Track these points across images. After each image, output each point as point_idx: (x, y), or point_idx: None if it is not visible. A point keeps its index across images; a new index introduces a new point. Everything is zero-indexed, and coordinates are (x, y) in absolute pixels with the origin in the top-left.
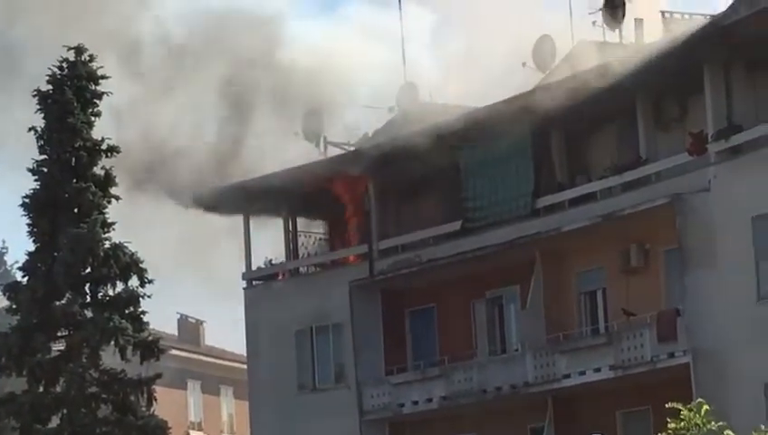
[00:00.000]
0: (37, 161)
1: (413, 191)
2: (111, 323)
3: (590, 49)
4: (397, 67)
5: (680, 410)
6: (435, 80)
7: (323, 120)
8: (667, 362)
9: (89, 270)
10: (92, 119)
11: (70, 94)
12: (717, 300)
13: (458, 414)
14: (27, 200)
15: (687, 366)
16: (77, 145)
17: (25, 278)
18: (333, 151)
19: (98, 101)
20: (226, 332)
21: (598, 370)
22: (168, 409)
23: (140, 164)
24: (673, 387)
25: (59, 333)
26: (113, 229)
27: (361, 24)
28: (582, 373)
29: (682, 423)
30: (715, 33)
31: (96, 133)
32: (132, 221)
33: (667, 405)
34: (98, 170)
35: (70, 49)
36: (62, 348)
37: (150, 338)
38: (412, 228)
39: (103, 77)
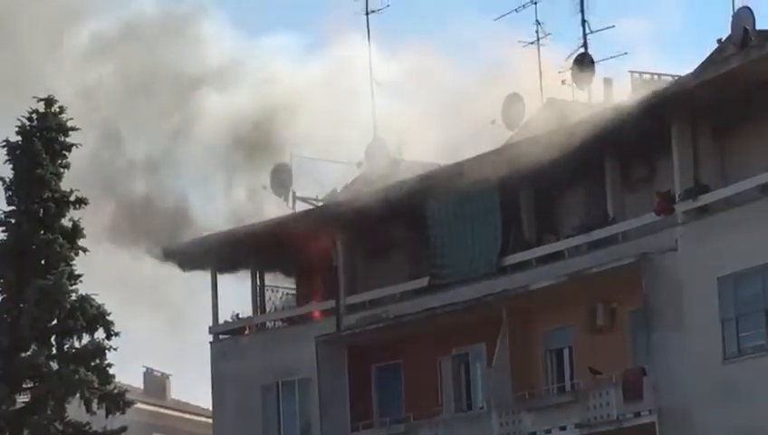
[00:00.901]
0: (5, 212)
1: (381, 247)
2: (77, 376)
3: (558, 108)
4: (365, 123)
5: None
6: (404, 136)
7: (291, 174)
8: (633, 422)
9: (55, 322)
10: (61, 170)
11: (39, 145)
12: (683, 360)
13: None
14: None
15: (653, 425)
16: (45, 196)
17: None
18: (302, 206)
19: (67, 153)
20: (192, 386)
21: (564, 428)
22: None
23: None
24: None
25: (24, 385)
26: (80, 281)
27: (331, 79)
28: (548, 432)
29: None
30: (682, 95)
31: (65, 185)
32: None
33: None
34: (66, 222)
35: (40, 100)
36: (27, 400)
37: (116, 391)
38: (380, 284)
39: (73, 129)
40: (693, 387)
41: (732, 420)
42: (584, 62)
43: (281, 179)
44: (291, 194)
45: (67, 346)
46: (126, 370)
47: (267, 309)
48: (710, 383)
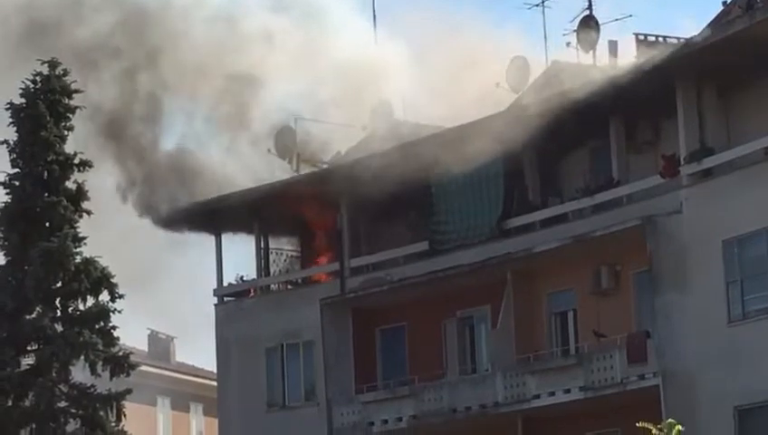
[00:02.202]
0: (9, 175)
1: (385, 210)
2: (81, 338)
3: (563, 71)
4: (371, 86)
5: (651, 430)
6: (409, 99)
7: (296, 137)
8: (637, 384)
9: (59, 284)
10: (65, 133)
11: (43, 108)
12: (688, 322)
13: (428, 433)
14: None
15: (657, 388)
16: (49, 159)
17: None
18: (306, 169)
19: (71, 115)
20: (197, 348)
21: (567, 391)
22: (137, 425)
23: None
24: (642, 409)
25: (28, 348)
26: (84, 244)
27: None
28: (552, 394)
29: None
30: (687, 57)
31: (69, 147)
32: (104, 235)
33: (637, 425)
34: (70, 184)
35: (44, 63)
36: (32, 362)
37: (120, 353)
38: (384, 247)
39: (77, 91)
40: (697, 350)
41: (736, 383)
42: (589, 24)
43: (285, 142)
44: (295, 157)
45: (71, 309)
46: (131, 333)
47: (272, 272)
48: (714, 346)
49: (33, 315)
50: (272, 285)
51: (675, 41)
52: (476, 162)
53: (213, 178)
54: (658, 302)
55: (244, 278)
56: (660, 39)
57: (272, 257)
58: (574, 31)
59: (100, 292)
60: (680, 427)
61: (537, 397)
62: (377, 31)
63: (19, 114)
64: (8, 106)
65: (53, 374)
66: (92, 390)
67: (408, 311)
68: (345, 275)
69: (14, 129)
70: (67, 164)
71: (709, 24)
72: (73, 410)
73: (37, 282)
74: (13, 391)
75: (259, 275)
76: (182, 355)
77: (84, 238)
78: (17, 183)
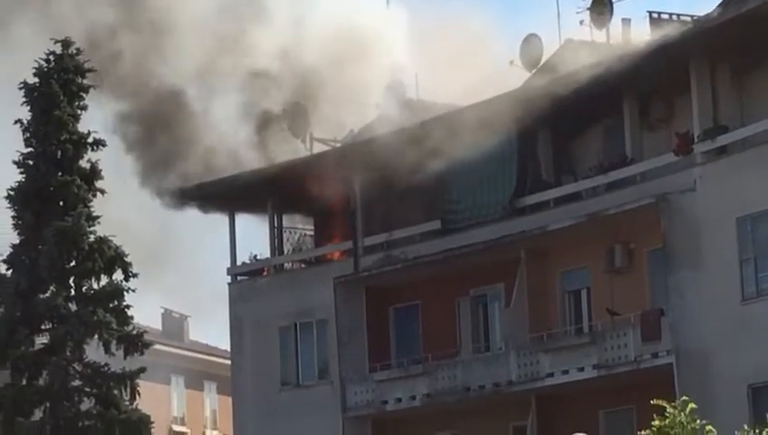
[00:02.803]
0: (23, 154)
1: (399, 188)
2: (95, 317)
3: (577, 48)
4: (384, 64)
5: (665, 408)
6: (422, 77)
7: (309, 116)
8: (651, 362)
9: (73, 263)
10: (79, 112)
11: (56, 87)
12: (701, 300)
13: (442, 412)
14: (12, 193)
15: (671, 366)
16: (63, 138)
17: (9, 271)
18: (319, 148)
19: (84, 94)
20: (211, 327)
21: (581, 369)
22: (151, 403)
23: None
24: (656, 387)
25: (42, 327)
26: (98, 223)
27: (347, 19)
28: (566, 372)
29: (667, 421)
30: (701, 35)
31: (82, 126)
32: (117, 214)
33: (652, 402)
34: (83, 163)
35: (57, 42)
36: (46, 341)
37: (134, 332)
38: (398, 225)
39: (90, 70)
40: (711, 327)
41: (750, 361)
42: (602, 2)
43: (298, 121)
44: (308, 135)
45: (85, 288)
46: (144, 311)
47: (285, 250)
48: (728, 324)
49: (47, 294)
50: (285, 264)
51: (688, 19)
52: (489, 141)
53: (227, 156)
54: (672, 280)
55: (258, 257)
56: (674, 17)
57: (285, 236)
58: (588, 9)
59: (114, 271)
60: (693, 405)
61: (551, 375)
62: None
63: (33, 93)
64: (22, 85)
65: (67, 353)
66: (106, 368)
67: (422, 289)
68: (359, 254)
69: (28, 108)
70: (81, 143)
71: (722, 2)
72: (87, 389)
73: (51, 261)
74: (27, 370)
75: (272, 253)
76: (196, 334)
77: (98, 217)
78: (31, 162)
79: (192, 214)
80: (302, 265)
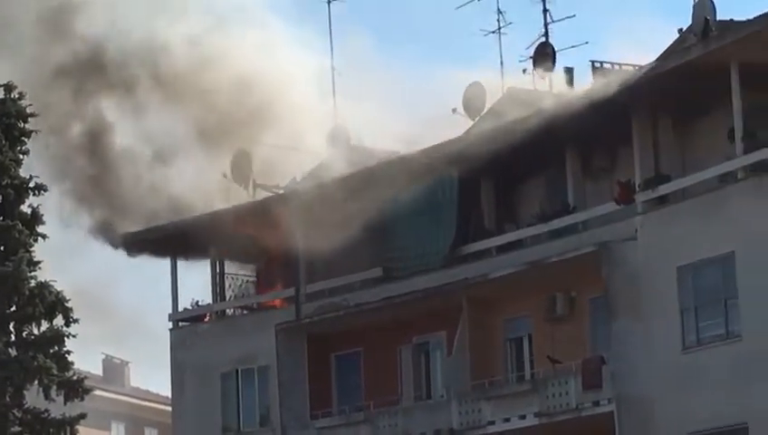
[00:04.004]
0: None
1: (341, 235)
2: (36, 363)
3: (519, 97)
4: (327, 110)
5: None
6: (365, 124)
7: (252, 162)
8: (592, 410)
9: (13, 308)
10: (20, 157)
11: None
12: (642, 349)
13: None
14: None
15: (612, 414)
16: (4, 183)
17: None
18: (262, 194)
19: (26, 139)
20: (152, 373)
21: (523, 417)
22: None
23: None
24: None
25: None
26: (39, 268)
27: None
28: (507, 420)
29: None
30: (642, 85)
31: (24, 171)
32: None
33: None
34: (25, 208)
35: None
36: None
37: (75, 378)
38: (340, 273)
39: (32, 115)
40: (652, 376)
41: (690, 409)
42: (545, 51)
43: (241, 167)
44: (251, 181)
45: (26, 333)
46: (85, 357)
47: (227, 297)
48: (669, 372)
49: None
50: (227, 311)
51: (630, 68)
52: (431, 189)
53: (169, 203)
54: (613, 328)
55: (200, 303)
56: (616, 66)
57: (227, 282)
58: (531, 57)
59: (55, 316)
60: None
61: (492, 423)
62: (333, 54)
63: None
64: None
65: (7, 399)
66: (46, 414)
67: (364, 337)
68: (300, 301)
69: None
70: (22, 188)
71: (665, 52)
72: None
73: None
74: None
75: (214, 299)
76: (137, 380)
77: (39, 262)
78: None
79: (134, 259)
80: (244, 312)
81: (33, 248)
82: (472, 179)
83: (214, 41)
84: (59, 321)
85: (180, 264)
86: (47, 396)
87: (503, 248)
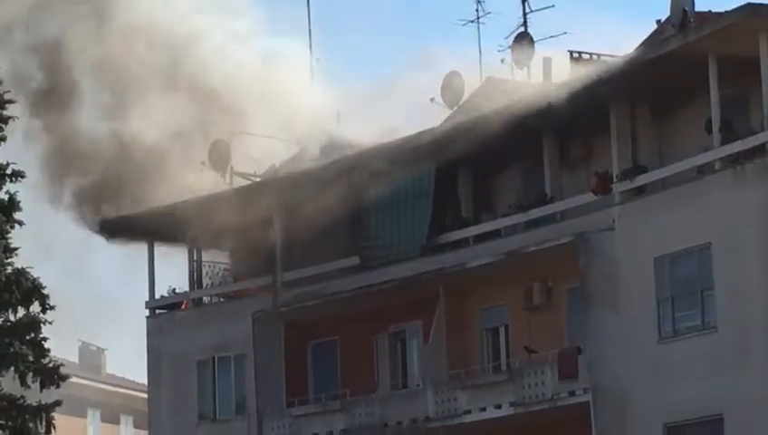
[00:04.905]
0: None
1: (319, 223)
2: (11, 349)
3: (498, 87)
4: (306, 99)
5: None
6: (343, 114)
7: (230, 150)
8: (568, 400)
9: None
10: None
11: None
12: (619, 339)
13: None
14: None
15: (587, 404)
16: None
17: None
18: (240, 182)
19: (3, 126)
20: (128, 360)
21: (498, 406)
22: None
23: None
24: (573, 425)
25: None
26: (16, 255)
27: (271, 54)
28: (483, 410)
29: None
30: (620, 76)
31: (1, 157)
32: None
33: None
34: (2, 195)
35: None
36: None
37: (51, 365)
38: (317, 261)
39: (9, 101)
40: (628, 366)
41: (666, 400)
42: (524, 41)
43: (219, 155)
44: (229, 169)
45: (2, 319)
46: (61, 344)
47: (204, 285)
48: (645, 363)
49: None
50: (204, 298)
51: (609, 58)
52: (408, 178)
53: (147, 190)
54: (590, 318)
55: (177, 291)
56: (594, 56)
57: (204, 270)
58: (509, 47)
59: (31, 303)
60: None
61: (468, 412)
62: (312, 45)
63: None
64: None
65: None
66: (22, 401)
67: (340, 325)
68: (278, 289)
69: None
70: None
71: (643, 43)
72: (2, 422)
73: None
74: None
75: (191, 287)
76: (113, 367)
77: (16, 249)
78: None
79: (111, 246)
80: (221, 300)
81: (9, 235)
82: (449, 168)
83: (191, 26)
84: (35, 308)
85: (157, 251)
86: (23, 383)
87: (480, 238)
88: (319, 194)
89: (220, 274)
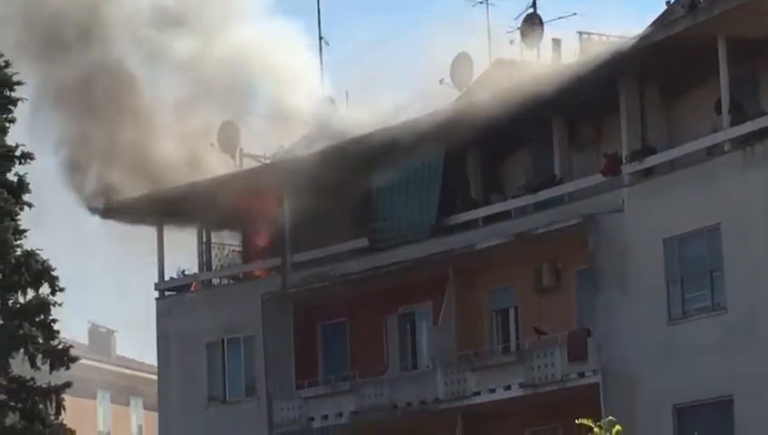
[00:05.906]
0: None
1: (328, 205)
2: (21, 331)
3: (507, 68)
4: (315, 81)
5: (591, 428)
6: (352, 95)
7: (239, 131)
8: (577, 382)
9: (0, 277)
10: (7, 125)
11: None
12: (628, 321)
13: (368, 429)
14: None
15: (597, 386)
16: None
17: None
18: (249, 163)
19: (12, 108)
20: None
21: (508, 388)
22: (76, 418)
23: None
24: (582, 406)
25: None
26: (25, 237)
27: (281, 36)
28: (492, 391)
29: None
30: (630, 57)
31: (10, 139)
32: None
33: (577, 421)
34: (11, 177)
35: None
36: None
37: (61, 346)
38: (327, 242)
39: (18, 83)
40: (637, 348)
41: (675, 381)
42: (533, 22)
43: (228, 136)
44: (238, 151)
45: (12, 301)
46: (71, 326)
47: (213, 266)
48: (654, 344)
49: None
50: (213, 280)
51: (618, 39)
52: (418, 159)
53: (157, 171)
54: (599, 300)
55: (186, 272)
56: (604, 37)
57: (214, 252)
58: (518, 28)
59: (41, 285)
60: (619, 427)
61: (477, 393)
62: (321, 26)
63: None
64: None
65: None
66: (32, 383)
67: (350, 307)
68: (287, 271)
69: None
70: (8, 156)
71: (652, 24)
72: (12, 403)
73: None
74: None
75: (201, 269)
76: (123, 349)
77: (25, 231)
78: None
79: (121, 228)
80: (231, 281)
81: (18, 217)
82: (459, 150)
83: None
84: (45, 289)
85: (167, 232)
86: (33, 364)
87: (489, 219)
88: (328, 176)
89: (229, 255)
